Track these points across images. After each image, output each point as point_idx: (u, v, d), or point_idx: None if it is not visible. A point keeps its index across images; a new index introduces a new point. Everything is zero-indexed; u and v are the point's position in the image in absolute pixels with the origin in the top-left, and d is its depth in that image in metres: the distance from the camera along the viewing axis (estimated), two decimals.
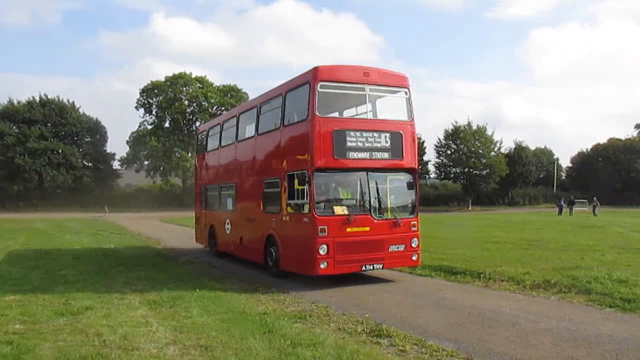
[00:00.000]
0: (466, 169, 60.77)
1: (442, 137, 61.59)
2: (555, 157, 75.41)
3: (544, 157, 74.54)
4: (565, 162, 78.54)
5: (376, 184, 10.45)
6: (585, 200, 48.40)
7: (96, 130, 64.06)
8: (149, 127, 64.18)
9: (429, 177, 67.72)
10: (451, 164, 61.66)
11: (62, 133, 60.13)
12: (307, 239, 9.93)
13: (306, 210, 10.02)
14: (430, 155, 62.50)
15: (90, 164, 63.67)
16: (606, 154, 69.48)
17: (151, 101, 64.44)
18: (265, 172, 11.99)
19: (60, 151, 59.00)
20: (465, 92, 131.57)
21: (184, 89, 63.93)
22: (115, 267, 12.71)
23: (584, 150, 74.72)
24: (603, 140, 73.78)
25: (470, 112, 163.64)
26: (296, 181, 10.07)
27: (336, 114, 11.37)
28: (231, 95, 64.49)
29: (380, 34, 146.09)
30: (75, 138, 62.30)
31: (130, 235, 24.16)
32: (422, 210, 12.46)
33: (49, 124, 59.54)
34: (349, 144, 10.10)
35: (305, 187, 9.91)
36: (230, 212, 14.38)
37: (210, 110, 63.58)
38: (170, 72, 73.30)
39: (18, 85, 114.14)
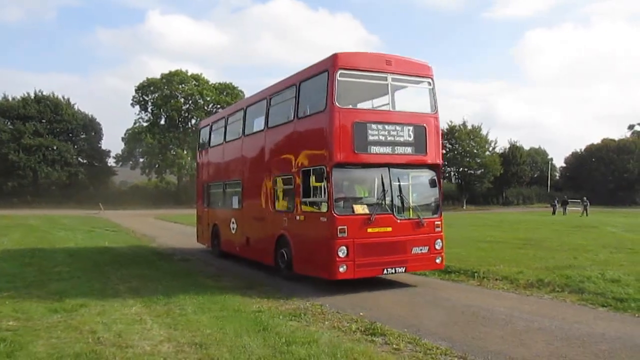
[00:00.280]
0: (461, 169, 60.98)
1: None
2: (549, 157, 76.01)
3: (538, 157, 74.97)
4: (559, 162, 79.11)
5: (398, 180, 9.80)
6: (579, 201, 48.62)
7: (91, 127, 63.86)
8: (145, 124, 64.11)
9: None
10: (446, 163, 61.74)
11: (57, 130, 59.87)
12: (325, 240, 9.23)
13: (324, 209, 9.31)
14: None
15: (85, 161, 63.55)
16: (600, 155, 69.91)
17: (147, 98, 64.27)
18: (276, 168, 11.22)
19: (55, 148, 58.78)
20: (460, 92, 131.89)
21: (180, 86, 63.77)
22: (109, 265, 12.67)
23: (578, 150, 75.26)
24: (597, 140, 74.46)
25: (466, 112, 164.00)
26: (312, 177, 9.45)
27: (355, 105, 10.71)
28: (227, 93, 64.50)
29: (375, 33, 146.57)
30: (70, 135, 62.11)
31: (125, 232, 24.08)
32: None
33: (44, 121, 59.30)
34: (370, 137, 9.39)
35: (323, 183, 9.21)
36: (236, 210, 13.60)
37: (206, 108, 63.57)
38: (166, 69, 73.26)
39: (13, 82, 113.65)
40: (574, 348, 6.05)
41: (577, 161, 72.97)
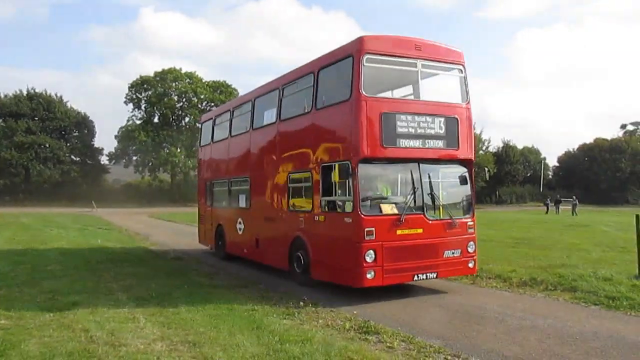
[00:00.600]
0: None
1: None
2: (542, 156, 76.27)
3: (532, 156, 75.29)
4: (552, 161, 79.54)
5: (429, 177, 9.02)
6: (569, 199, 48.85)
7: (84, 125, 63.53)
8: (138, 122, 63.77)
9: None
10: None
11: (50, 127, 59.55)
12: (350, 243, 8.37)
13: (348, 209, 8.50)
14: None
15: (77, 159, 63.23)
16: (592, 154, 70.44)
17: (140, 96, 63.95)
18: (291, 163, 10.37)
19: (47, 145, 58.42)
20: None
21: (174, 84, 63.55)
22: (102, 263, 12.59)
23: (571, 149, 75.74)
24: (589, 140, 74.96)
25: None
26: (334, 174, 8.48)
27: (382, 94, 9.82)
28: (221, 91, 64.25)
29: (369, 31, 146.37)
30: (63, 132, 61.78)
31: (117, 230, 23.98)
32: None
33: (37, 118, 58.97)
34: (399, 129, 8.55)
35: (348, 180, 8.41)
36: (244, 209, 12.70)
37: (199, 105, 63.35)
38: (159, 67, 72.95)
39: (5, 79, 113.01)
40: (566, 346, 6.09)
41: (570, 160, 73.48)
